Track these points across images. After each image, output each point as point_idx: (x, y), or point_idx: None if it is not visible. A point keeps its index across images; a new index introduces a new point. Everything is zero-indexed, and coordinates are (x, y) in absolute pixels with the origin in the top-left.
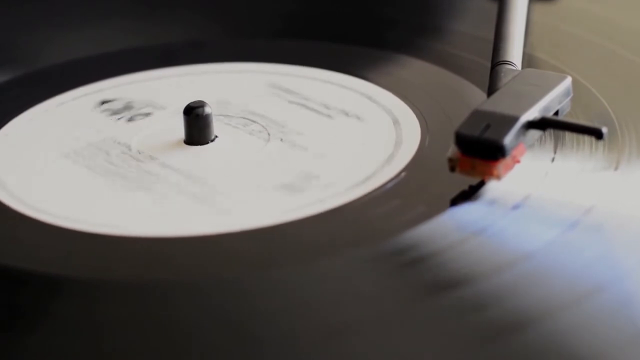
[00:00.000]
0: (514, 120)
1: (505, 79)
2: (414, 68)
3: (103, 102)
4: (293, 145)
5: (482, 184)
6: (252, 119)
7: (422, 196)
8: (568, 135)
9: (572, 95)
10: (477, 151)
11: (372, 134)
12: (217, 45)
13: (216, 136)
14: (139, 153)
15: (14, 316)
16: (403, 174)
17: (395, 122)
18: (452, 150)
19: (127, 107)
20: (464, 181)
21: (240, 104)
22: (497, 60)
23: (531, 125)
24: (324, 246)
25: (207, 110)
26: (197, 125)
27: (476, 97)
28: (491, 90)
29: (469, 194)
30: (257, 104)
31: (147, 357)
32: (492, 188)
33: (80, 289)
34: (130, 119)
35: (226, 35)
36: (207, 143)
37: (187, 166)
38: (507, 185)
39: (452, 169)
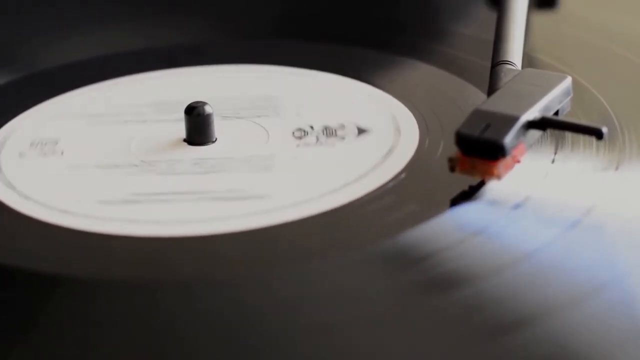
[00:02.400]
0: (514, 120)
1: (505, 78)
2: (414, 70)
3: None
4: (292, 146)
5: (482, 184)
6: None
7: (422, 196)
8: (569, 135)
9: (572, 95)
10: (477, 151)
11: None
12: (218, 47)
13: (216, 138)
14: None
15: (13, 316)
16: (403, 174)
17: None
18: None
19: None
20: (464, 181)
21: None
22: (497, 60)
23: (531, 125)
24: (323, 246)
25: (208, 109)
26: (198, 125)
27: (476, 98)
28: (491, 90)
29: (469, 194)
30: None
31: (146, 357)
32: (493, 188)
33: (80, 289)
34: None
35: (226, 37)
36: (210, 143)
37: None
38: (508, 185)
39: (452, 169)
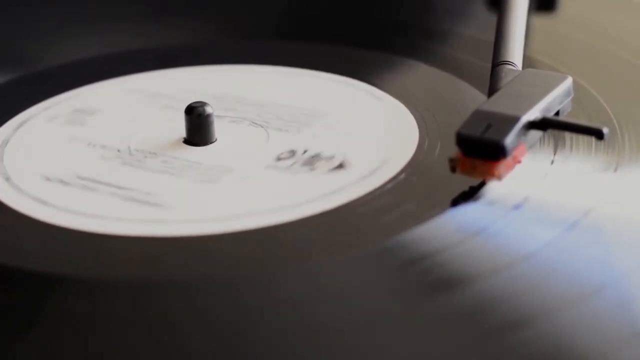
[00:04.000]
0: (514, 120)
1: (506, 79)
2: (414, 70)
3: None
4: (293, 144)
5: (482, 184)
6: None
7: (422, 197)
8: (568, 136)
9: (572, 95)
10: (478, 151)
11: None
12: (216, 47)
13: (216, 138)
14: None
15: (13, 316)
16: (403, 174)
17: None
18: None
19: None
20: (465, 182)
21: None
22: (497, 61)
23: (532, 125)
24: (323, 246)
25: (208, 110)
26: (198, 125)
27: (476, 99)
28: (492, 90)
29: (470, 194)
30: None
31: (146, 357)
32: (493, 188)
33: (80, 289)
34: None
35: (226, 37)
36: (209, 143)
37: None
38: (508, 185)
39: (453, 169)
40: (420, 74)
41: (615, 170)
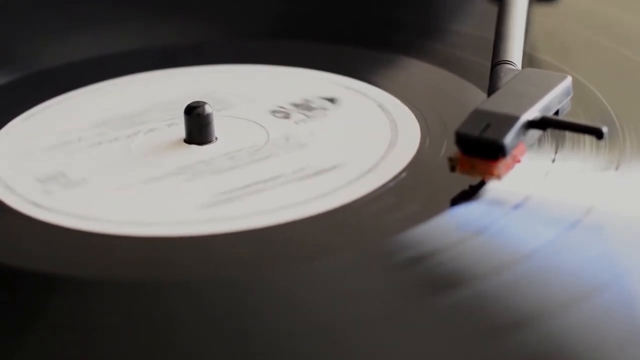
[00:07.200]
0: (514, 119)
1: (505, 78)
2: (414, 69)
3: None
4: (292, 146)
5: (482, 183)
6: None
7: (422, 196)
8: (569, 135)
9: (572, 94)
10: (477, 151)
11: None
12: (217, 47)
13: (216, 137)
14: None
15: (12, 316)
16: (403, 174)
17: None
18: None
19: None
20: (465, 181)
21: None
22: (497, 60)
23: (531, 124)
24: (324, 246)
25: (208, 109)
26: (198, 125)
27: (476, 97)
28: (491, 89)
29: (470, 193)
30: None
31: (145, 357)
32: (493, 188)
33: (80, 289)
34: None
35: (226, 37)
36: (210, 143)
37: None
38: (508, 185)
39: (453, 168)
40: (420, 72)
41: (617, 168)
